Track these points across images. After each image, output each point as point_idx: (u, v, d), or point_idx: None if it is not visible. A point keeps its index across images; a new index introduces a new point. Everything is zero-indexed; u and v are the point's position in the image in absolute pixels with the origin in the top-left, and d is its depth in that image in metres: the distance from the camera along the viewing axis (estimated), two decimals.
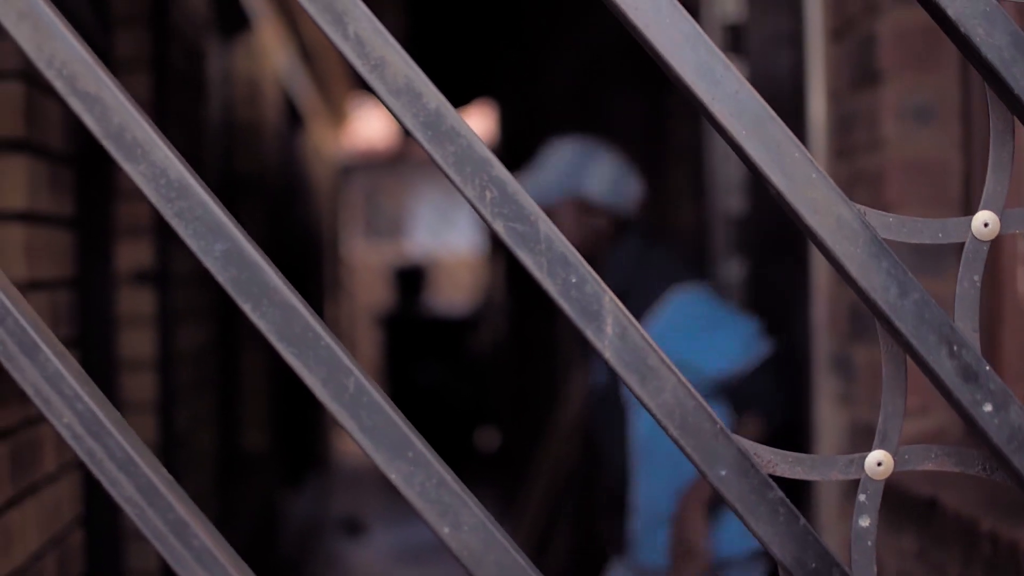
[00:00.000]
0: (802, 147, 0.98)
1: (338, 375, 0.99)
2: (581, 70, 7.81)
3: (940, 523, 2.33)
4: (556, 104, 8.50)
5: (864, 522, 1.03)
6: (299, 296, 1.00)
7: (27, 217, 2.36)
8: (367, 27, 0.97)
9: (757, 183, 4.24)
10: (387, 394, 3.72)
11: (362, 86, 11.85)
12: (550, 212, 3.20)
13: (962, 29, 0.98)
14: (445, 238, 18.05)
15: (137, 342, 3.87)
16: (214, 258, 0.99)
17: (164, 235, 4.05)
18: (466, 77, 10.06)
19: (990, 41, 0.99)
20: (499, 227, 0.98)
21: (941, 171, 2.69)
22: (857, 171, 2.85)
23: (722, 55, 0.98)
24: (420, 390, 11.81)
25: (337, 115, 13.62)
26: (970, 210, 2.66)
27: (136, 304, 3.88)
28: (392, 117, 0.97)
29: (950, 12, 0.98)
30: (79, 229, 3.03)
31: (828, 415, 3.03)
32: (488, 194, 0.97)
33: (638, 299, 3.34)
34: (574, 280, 0.98)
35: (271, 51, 7.90)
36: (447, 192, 17.87)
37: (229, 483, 5.35)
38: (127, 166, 0.99)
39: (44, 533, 2.50)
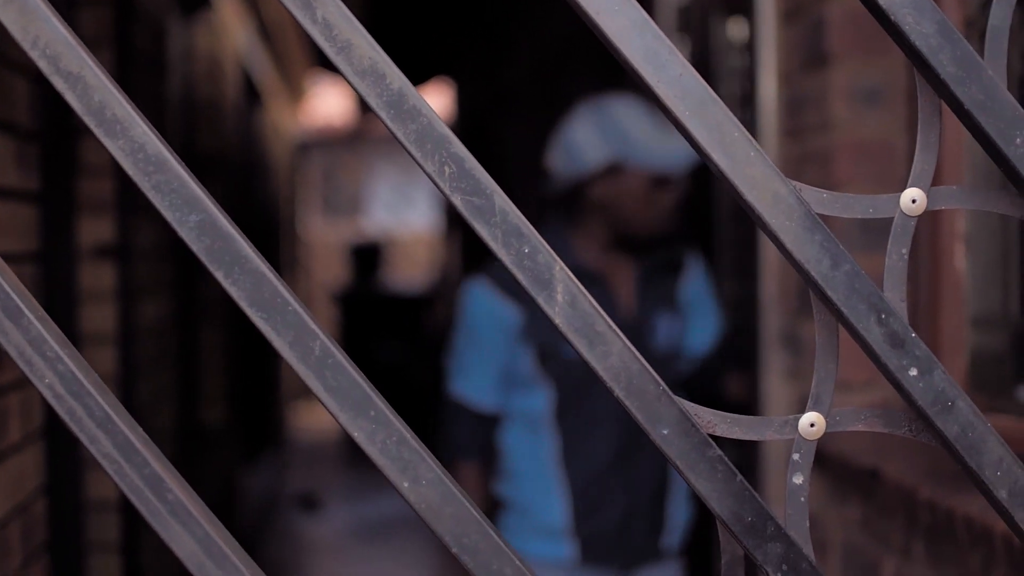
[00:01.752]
0: (741, 127, 1.05)
1: (305, 338, 1.05)
2: (541, 52, 7.87)
3: (882, 493, 2.41)
4: (516, 85, 8.55)
5: (798, 479, 1.10)
6: (268, 264, 1.06)
7: None
8: (334, 11, 1.04)
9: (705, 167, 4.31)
10: None
11: (322, 64, 11.85)
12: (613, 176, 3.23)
13: (892, 18, 1.05)
14: (402, 216, 18.07)
15: (99, 316, 3.91)
16: (189, 228, 1.05)
17: (125, 210, 4.10)
18: (425, 55, 10.11)
19: (919, 29, 1.05)
20: (457, 200, 1.04)
21: (888, 152, 2.77)
22: (807, 151, 2.92)
23: (668, 41, 1.04)
24: (377, 367, 11.83)
25: (295, 92, 13.63)
26: None
27: (98, 279, 3.93)
28: (357, 96, 1.03)
29: (881, 2, 1.05)
30: (43, 204, 3.07)
31: (777, 388, 3.10)
32: (447, 169, 1.04)
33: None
34: (527, 250, 1.05)
35: (231, 29, 7.92)
36: (405, 170, 17.91)
37: (189, 458, 5.40)
38: (107, 141, 1.05)
39: (8, 501, 2.55)
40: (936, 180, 1.35)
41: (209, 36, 6.89)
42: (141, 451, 1.06)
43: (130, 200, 4.17)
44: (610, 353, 1.05)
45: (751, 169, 1.05)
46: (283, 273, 12.14)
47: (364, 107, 11.59)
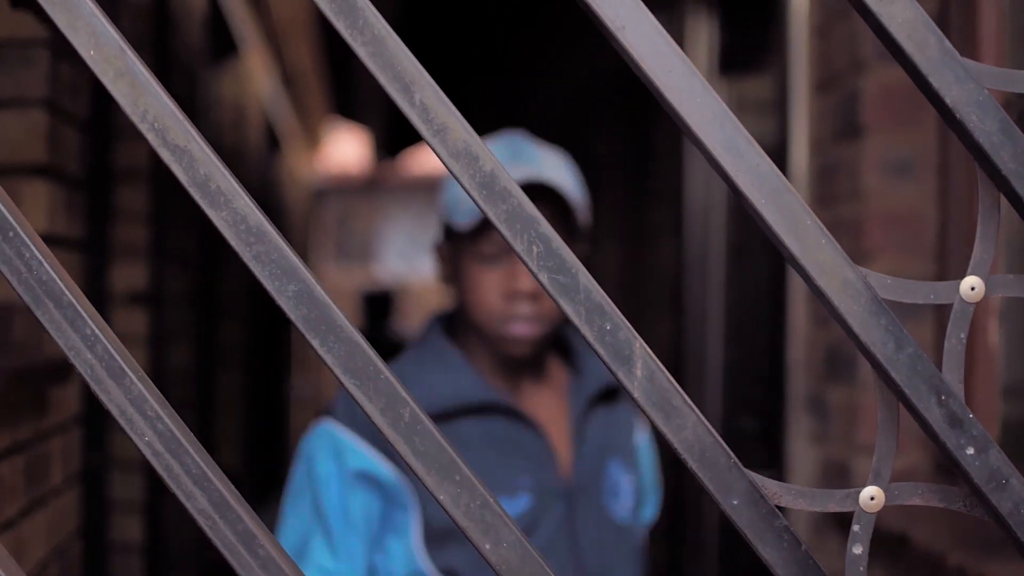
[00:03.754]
0: (814, 216, 1.11)
1: (395, 405, 1.11)
2: (560, 104, 7.94)
3: (910, 557, 2.45)
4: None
5: (857, 550, 1.16)
6: (360, 333, 1.12)
7: (47, 239, 2.47)
8: (432, 95, 1.10)
9: (738, 224, 4.37)
10: None
11: (340, 112, 11.88)
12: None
13: (957, 115, 1.11)
14: (414, 263, 18.14)
15: None
16: (287, 298, 1.10)
17: (158, 258, 4.16)
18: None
19: (982, 127, 1.11)
20: (544, 279, 1.10)
21: (917, 222, 2.83)
22: (837, 219, 2.99)
23: (745, 131, 1.10)
24: None
25: (312, 139, 13.72)
26: (944, 260, 2.80)
27: (130, 324, 3.99)
28: (452, 177, 1.09)
29: (947, 100, 1.11)
30: (85, 251, 3.14)
31: (802, 452, 3.15)
32: (535, 248, 1.10)
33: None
34: (608, 327, 1.10)
35: (255, 76, 8.00)
36: (417, 217, 17.99)
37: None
38: (211, 212, 1.10)
39: (50, 543, 2.60)
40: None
41: (235, 83, 6.97)
42: (235, 508, 1.11)
43: (162, 248, 4.24)
44: (685, 427, 1.11)
45: (821, 255, 1.11)
46: None
47: (380, 155, 11.58)
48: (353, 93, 10.80)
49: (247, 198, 1.11)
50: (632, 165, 6.24)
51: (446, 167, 1.10)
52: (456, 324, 2.48)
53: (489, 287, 2.37)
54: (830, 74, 3.09)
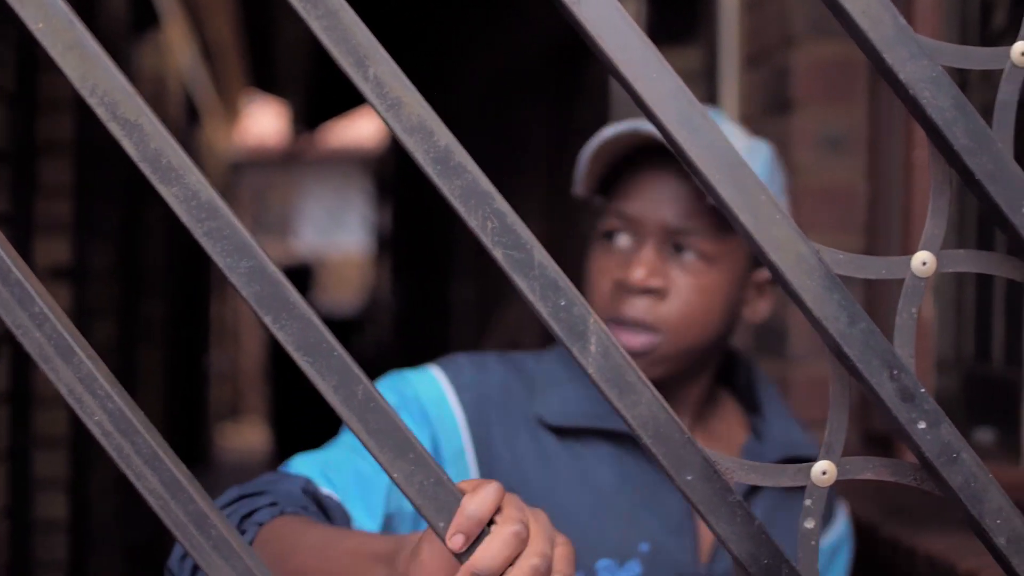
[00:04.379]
0: (768, 191, 1.11)
1: (349, 382, 1.10)
2: (489, 80, 7.92)
3: None
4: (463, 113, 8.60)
5: (809, 524, 1.16)
6: (313, 310, 1.11)
7: None
8: (386, 70, 1.08)
9: None
10: (275, 393, 3.77)
11: (258, 85, 11.81)
12: None
13: (911, 91, 1.11)
14: (333, 238, 18.08)
15: None
16: (239, 274, 1.09)
17: (82, 232, 4.12)
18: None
19: (935, 103, 1.12)
20: (498, 254, 1.09)
21: (849, 197, 2.84)
22: None
23: (701, 107, 1.10)
24: (307, 388, 11.80)
25: (231, 112, 13.63)
26: (876, 234, 2.82)
27: (53, 299, 3.94)
28: (407, 151, 1.08)
29: (901, 76, 1.11)
30: (9, 225, 3.10)
31: None
32: (489, 224, 1.09)
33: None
34: (563, 303, 1.10)
35: (176, 48, 7.93)
36: (336, 191, 17.92)
37: (127, 478, 5.40)
38: (161, 188, 1.09)
39: None
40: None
41: (155, 56, 6.91)
42: (186, 488, 1.10)
43: (85, 222, 4.19)
44: (639, 403, 1.10)
45: (776, 231, 1.11)
46: (212, 293, 12.13)
47: (298, 129, 11.53)
48: (272, 67, 10.72)
49: (199, 174, 1.10)
50: (556, 141, 6.24)
51: (401, 142, 1.09)
52: None
53: (600, 274, 1.92)
54: (760, 48, 3.10)
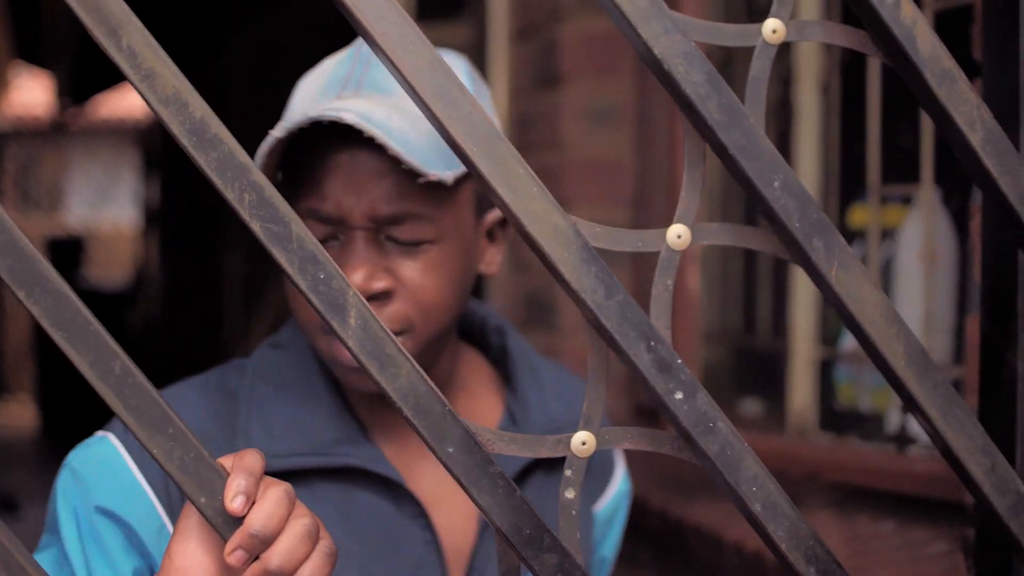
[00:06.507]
0: (526, 165, 1.11)
1: (105, 358, 1.08)
2: (262, 51, 7.83)
3: None
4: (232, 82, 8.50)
5: (569, 494, 1.17)
6: (67, 285, 1.09)
7: None
8: (139, 40, 1.06)
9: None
10: (41, 370, 3.70)
11: (23, 57, 11.54)
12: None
13: (665, 67, 1.13)
14: (104, 211, 17.74)
15: None
16: None
17: None
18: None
19: (688, 78, 1.13)
20: (256, 227, 1.08)
21: (617, 170, 2.88)
22: (538, 167, 3.02)
23: (459, 80, 1.10)
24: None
25: None
26: (642, 207, 2.86)
27: None
28: (162, 124, 1.07)
29: (655, 51, 1.13)
30: None
31: None
32: (247, 197, 1.08)
33: None
34: (322, 276, 1.09)
35: None
36: (106, 164, 17.58)
37: None
38: None
39: None
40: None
41: None
42: None
43: None
44: (399, 375, 1.11)
45: (533, 204, 1.12)
46: None
47: (67, 102, 11.28)
48: (38, 38, 10.46)
49: None
50: None
51: (155, 113, 1.07)
52: None
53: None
54: (529, 22, 3.12)
